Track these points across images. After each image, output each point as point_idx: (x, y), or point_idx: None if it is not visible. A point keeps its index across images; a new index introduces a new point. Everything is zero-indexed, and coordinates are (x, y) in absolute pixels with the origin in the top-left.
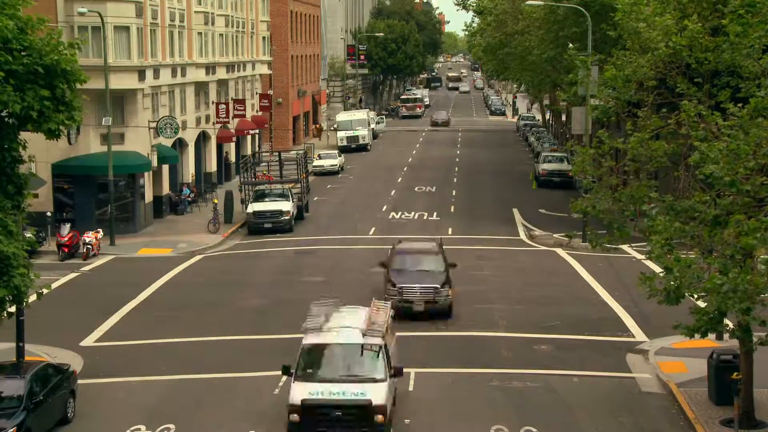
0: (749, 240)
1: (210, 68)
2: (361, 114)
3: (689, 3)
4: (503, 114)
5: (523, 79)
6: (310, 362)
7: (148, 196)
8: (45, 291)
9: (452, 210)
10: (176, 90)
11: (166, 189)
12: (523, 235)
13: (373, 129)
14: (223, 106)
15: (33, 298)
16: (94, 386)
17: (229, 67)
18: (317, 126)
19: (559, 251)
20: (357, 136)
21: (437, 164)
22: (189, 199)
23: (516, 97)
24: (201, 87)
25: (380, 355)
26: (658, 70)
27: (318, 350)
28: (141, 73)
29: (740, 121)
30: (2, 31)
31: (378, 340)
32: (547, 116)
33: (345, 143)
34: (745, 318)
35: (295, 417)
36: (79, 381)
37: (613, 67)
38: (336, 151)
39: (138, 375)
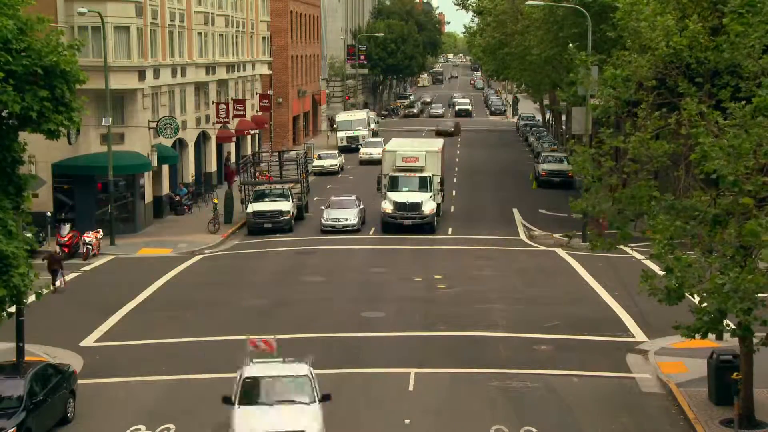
0: (752, 226)
1: (210, 68)
2: (361, 114)
3: (689, 3)
4: (503, 114)
5: (523, 78)
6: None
7: (148, 196)
8: (45, 291)
9: (452, 210)
10: (176, 90)
11: (166, 189)
12: (522, 235)
13: (373, 129)
14: (223, 106)
15: (32, 298)
16: (94, 386)
17: (229, 67)
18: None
19: (559, 251)
20: (357, 136)
21: None
22: (185, 200)
23: (516, 98)
24: (201, 87)
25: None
26: (658, 70)
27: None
28: (141, 73)
29: (741, 120)
30: (2, 31)
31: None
32: (547, 116)
33: (345, 143)
34: (746, 318)
35: None
36: (79, 381)
37: (612, 67)
38: (336, 151)
39: (138, 375)
